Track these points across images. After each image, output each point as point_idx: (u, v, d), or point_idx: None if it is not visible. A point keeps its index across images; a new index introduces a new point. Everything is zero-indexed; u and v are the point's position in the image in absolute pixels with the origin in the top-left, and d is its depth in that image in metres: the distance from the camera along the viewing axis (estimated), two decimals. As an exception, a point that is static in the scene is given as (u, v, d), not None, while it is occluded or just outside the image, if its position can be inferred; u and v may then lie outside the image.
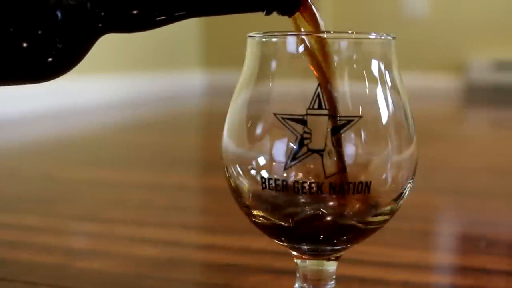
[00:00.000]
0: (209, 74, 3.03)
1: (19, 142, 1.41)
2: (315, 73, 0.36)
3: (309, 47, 0.36)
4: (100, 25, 0.35)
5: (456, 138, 1.51)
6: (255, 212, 0.38)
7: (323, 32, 0.37)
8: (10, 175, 0.99)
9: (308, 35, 0.37)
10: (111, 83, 2.31)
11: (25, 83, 0.36)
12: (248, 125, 0.37)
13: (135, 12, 0.36)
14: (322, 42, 0.36)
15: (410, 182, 0.38)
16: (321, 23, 0.37)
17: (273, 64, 0.37)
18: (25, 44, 0.34)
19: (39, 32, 0.34)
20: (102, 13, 0.35)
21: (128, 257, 0.57)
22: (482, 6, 2.87)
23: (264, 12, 0.37)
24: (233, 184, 0.38)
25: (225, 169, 0.39)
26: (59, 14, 0.34)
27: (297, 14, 0.37)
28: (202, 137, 1.63)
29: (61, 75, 0.36)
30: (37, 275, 0.52)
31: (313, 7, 0.37)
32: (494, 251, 0.61)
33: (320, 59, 0.36)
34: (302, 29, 0.38)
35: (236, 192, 0.38)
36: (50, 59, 0.34)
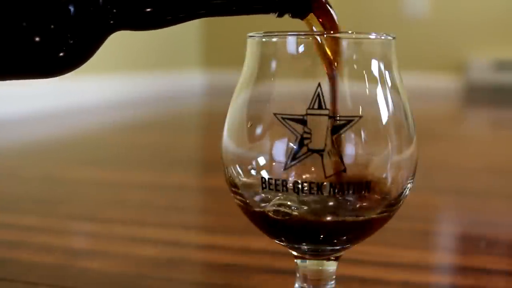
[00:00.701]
0: (209, 74, 3.03)
1: (19, 142, 1.41)
2: (327, 71, 0.36)
3: (322, 46, 0.36)
4: (112, 22, 0.35)
5: (456, 138, 1.51)
6: (254, 212, 0.38)
7: (323, 32, 0.37)
8: (10, 175, 0.99)
9: (308, 35, 0.37)
10: (111, 83, 2.31)
11: (35, 78, 0.36)
12: (248, 125, 0.37)
13: (147, 10, 0.35)
14: (337, 42, 0.36)
15: (410, 182, 0.38)
16: (338, 23, 0.37)
17: (273, 64, 0.37)
18: (37, 38, 0.34)
19: (52, 26, 0.34)
20: (114, 10, 0.35)
21: (128, 257, 0.57)
22: (482, 6, 2.87)
23: (276, 14, 0.37)
24: (233, 184, 0.38)
25: (225, 169, 0.39)
26: (71, 9, 0.34)
27: (310, 15, 0.37)
28: (202, 137, 1.63)
29: (71, 71, 0.36)
30: (37, 275, 0.52)
31: (328, 6, 0.37)
32: (494, 251, 0.61)
33: (332, 58, 0.36)
34: (314, 30, 0.38)
35: (236, 192, 0.38)
36: (61, 54, 0.34)
